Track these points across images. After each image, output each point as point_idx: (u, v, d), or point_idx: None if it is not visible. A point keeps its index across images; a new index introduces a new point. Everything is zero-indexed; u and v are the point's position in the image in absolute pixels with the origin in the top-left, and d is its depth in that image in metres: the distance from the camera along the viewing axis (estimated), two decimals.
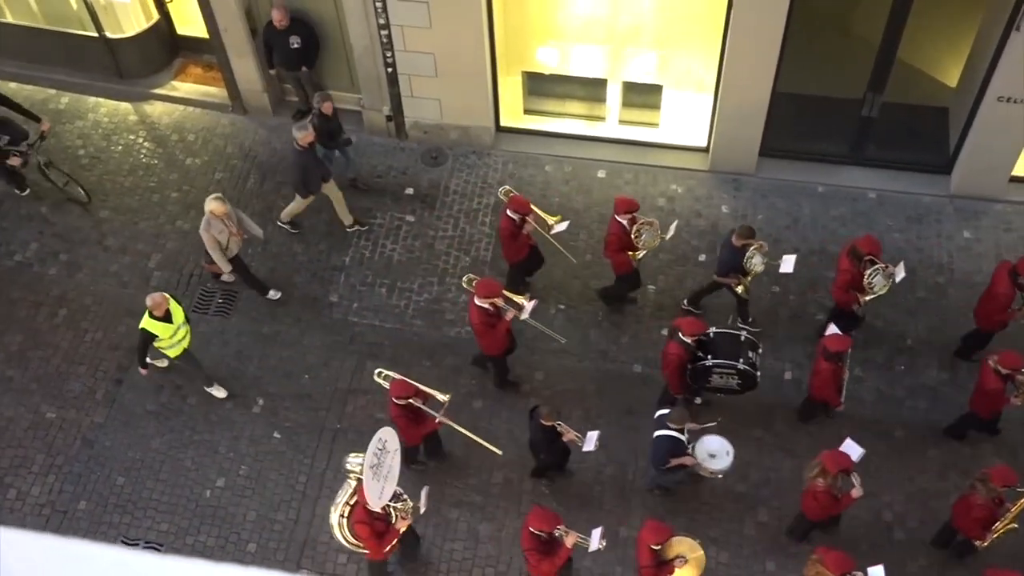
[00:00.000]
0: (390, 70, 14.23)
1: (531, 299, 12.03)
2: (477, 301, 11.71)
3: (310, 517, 12.13)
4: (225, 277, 13.74)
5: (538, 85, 14.99)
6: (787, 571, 11.64)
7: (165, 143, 15.53)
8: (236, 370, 13.12)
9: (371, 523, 10.27)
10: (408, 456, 11.92)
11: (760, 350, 12.11)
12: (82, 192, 14.63)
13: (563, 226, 12.85)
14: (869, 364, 12.96)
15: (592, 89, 14.81)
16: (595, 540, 10.49)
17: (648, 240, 12.50)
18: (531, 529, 10.25)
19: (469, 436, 11.51)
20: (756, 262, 12.22)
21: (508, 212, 12.47)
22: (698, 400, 12.53)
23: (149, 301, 11.74)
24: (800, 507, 11.29)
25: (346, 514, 10.62)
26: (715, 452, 11.46)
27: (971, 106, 13.45)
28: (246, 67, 15.07)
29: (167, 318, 11.88)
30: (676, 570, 10.28)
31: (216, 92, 15.90)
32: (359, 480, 10.39)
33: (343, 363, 13.25)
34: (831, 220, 14.16)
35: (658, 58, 14.52)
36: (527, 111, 15.18)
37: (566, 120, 15.15)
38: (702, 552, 10.52)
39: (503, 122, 15.04)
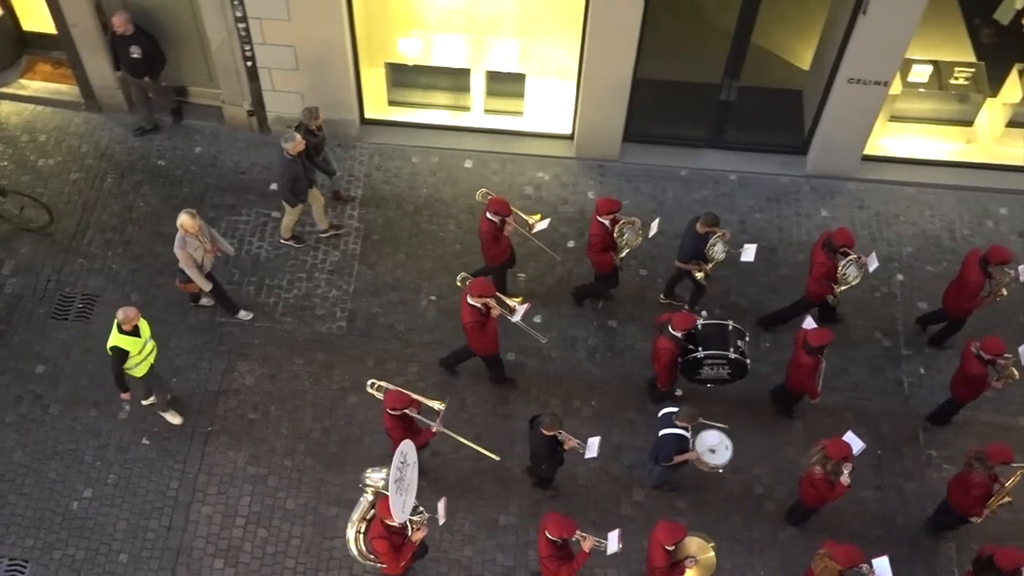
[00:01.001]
0: (249, 64, 13.96)
1: (523, 302, 11.91)
2: (470, 300, 11.59)
3: (183, 523, 11.85)
4: (204, 301, 13.31)
5: (402, 76, 14.90)
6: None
7: (15, 144, 14.94)
8: (100, 376, 12.71)
9: (389, 537, 10.15)
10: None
11: (747, 338, 12.26)
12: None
13: (544, 224, 12.77)
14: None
15: (456, 79, 14.79)
16: (613, 543, 10.36)
17: (630, 239, 12.50)
18: (549, 536, 10.13)
19: (467, 444, 11.40)
20: (718, 250, 12.35)
21: (488, 214, 12.29)
22: (678, 392, 12.58)
23: (120, 314, 11.18)
24: (798, 495, 11.48)
25: (363, 530, 10.52)
26: (714, 447, 11.47)
27: (823, 88, 13.87)
28: (98, 64, 14.60)
29: (135, 332, 11.37)
30: (687, 571, 10.30)
31: (68, 90, 15.35)
32: (376, 495, 10.35)
33: (212, 364, 12.97)
34: (694, 203, 14.43)
35: (520, 47, 14.60)
36: (392, 102, 15.08)
37: (431, 111, 15.10)
38: (712, 553, 10.60)
39: (368, 114, 14.91)
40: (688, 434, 11.23)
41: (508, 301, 11.80)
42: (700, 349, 11.94)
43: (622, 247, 12.53)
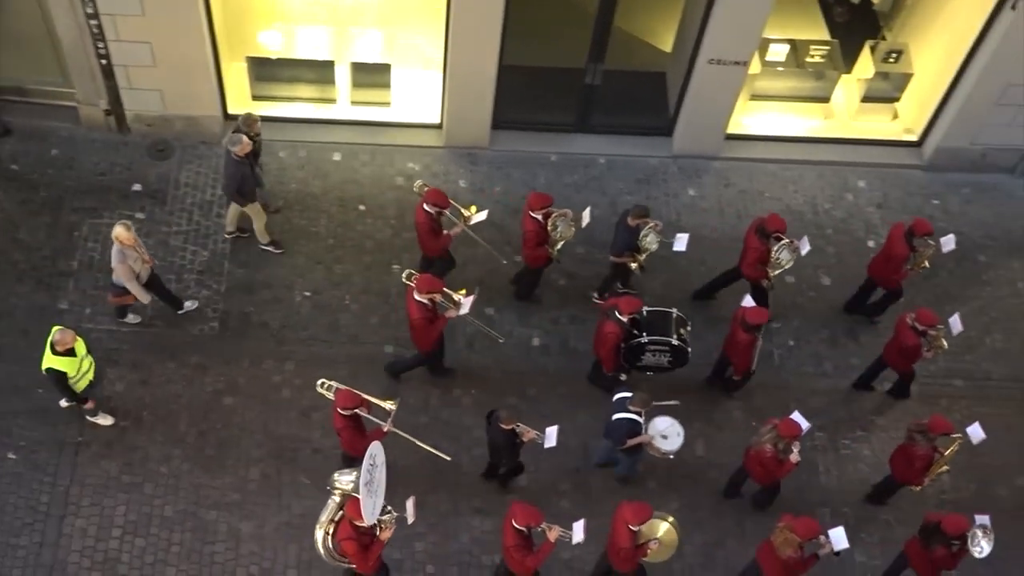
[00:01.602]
0: (104, 62, 13.52)
1: (468, 294, 11.84)
2: (417, 296, 11.48)
3: (56, 537, 11.46)
4: (131, 317, 12.87)
5: (264, 70, 14.62)
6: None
7: None
8: None
9: (358, 538, 10.09)
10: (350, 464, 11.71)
11: (690, 326, 12.38)
12: None
13: (482, 215, 12.66)
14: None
15: (320, 71, 14.58)
16: (578, 532, 10.47)
17: (564, 231, 12.49)
18: (516, 525, 10.22)
19: (417, 444, 11.25)
20: (650, 240, 12.43)
21: (425, 206, 12.17)
22: (623, 376, 12.57)
23: (57, 335, 10.82)
24: (751, 475, 11.72)
25: (330, 531, 10.38)
26: (666, 433, 11.62)
27: (685, 70, 14.08)
28: None
29: (70, 352, 10.98)
30: (649, 551, 10.48)
31: None
32: (342, 496, 10.24)
33: None
34: (565, 187, 14.52)
35: (384, 37, 14.47)
36: (255, 97, 14.79)
37: (296, 104, 14.87)
38: (674, 531, 10.78)
39: (231, 109, 14.58)
40: (641, 419, 11.37)
41: (453, 295, 11.74)
42: (644, 335, 12.07)
43: (556, 240, 12.55)
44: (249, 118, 12.83)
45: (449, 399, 12.76)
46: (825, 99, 15.16)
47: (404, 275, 11.96)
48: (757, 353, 12.27)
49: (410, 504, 10.52)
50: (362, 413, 10.85)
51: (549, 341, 13.29)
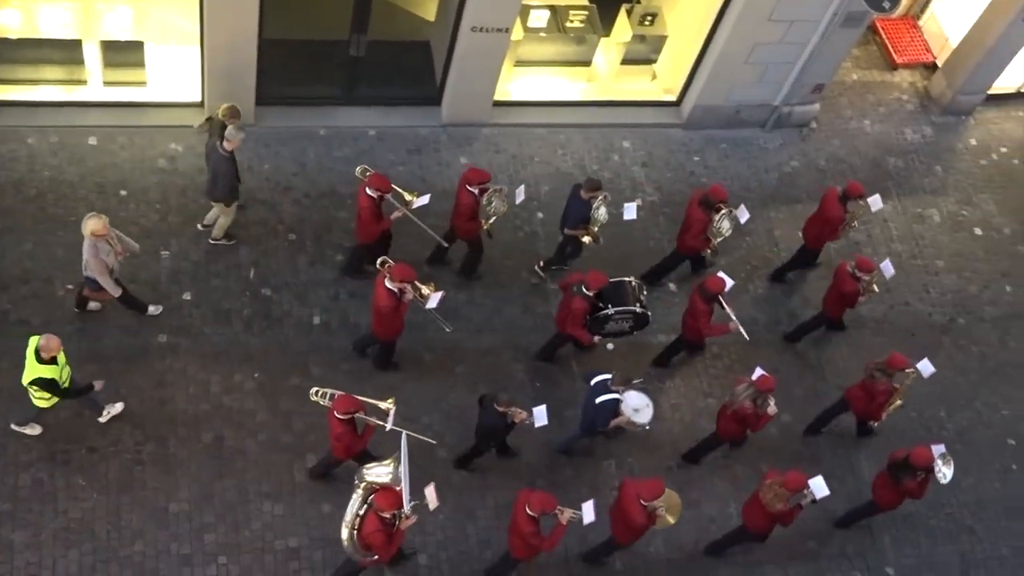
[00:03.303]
0: None
1: (436, 289, 11.82)
2: (388, 284, 11.46)
3: None
4: (93, 305, 12.37)
5: (6, 51, 13.72)
6: (343, 509, 11.83)
7: None
8: None
9: (385, 529, 10.19)
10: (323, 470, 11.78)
11: (646, 292, 12.80)
12: None
13: (424, 200, 12.55)
14: None
15: (67, 51, 13.78)
16: (588, 512, 10.71)
17: (498, 206, 12.61)
18: (530, 512, 10.36)
19: (415, 436, 11.04)
20: (602, 213, 12.73)
21: (368, 191, 12.07)
22: (610, 346, 13.19)
23: (43, 341, 10.33)
24: (717, 430, 12.37)
25: (357, 526, 10.40)
26: (638, 407, 11.95)
27: (449, 38, 14.08)
28: None
29: (54, 360, 10.46)
30: (659, 519, 10.84)
31: None
32: (366, 490, 10.39)
33: None
34: (336, 161, 14.32)
35: (134, 13, 13.79)
36: None
37: (44, 87, 14.01)
38: (678, 500, 11.05)
39: None
40: (621, 398, 11.67)
41: (423, 288, 11.73)
42: (609, 306, 12.37)
43: (491, 215, 12.68)
44: (233, 109, 12.26)
45: (231, 384, 12.43)
46: (587, 63, 15.50)
47: (379, 262, 11.81)
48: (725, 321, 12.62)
49: (430, 490, 10.53)
50: (361, 416, 10.84)
51: (329, 318, 13.12)
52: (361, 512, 10.44)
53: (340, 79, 14.64)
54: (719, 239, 13.20)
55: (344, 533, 10.54)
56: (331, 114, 14.70)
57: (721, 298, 12.37)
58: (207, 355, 12.59)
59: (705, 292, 12.30)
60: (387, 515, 10.08)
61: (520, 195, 13.14)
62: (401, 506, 10.10)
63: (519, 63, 15.21)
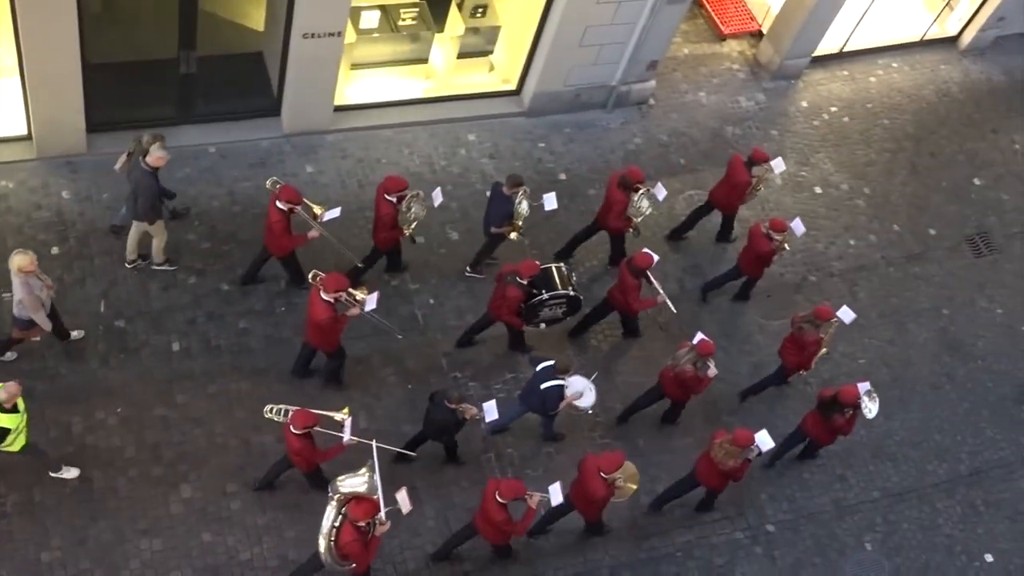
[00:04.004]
0: None
1: (368, 292, 11.90)
2: (324, 296, 11.38)
3: None
4: (8, 355, 11.99)
5: None
6: (223, 535, 11.62)
7: None
8: None
9: (361, 538, 10.27)
10: (316, 482, 11.57)
11: (575, 277, 13.35)
12: None
13: (333, 213, 12.55)
14: (252, 315, 13.13)
15: None
16: (556, 494, 11.11)
17: (418, 211, 12.78)
18: (501, 500, 10.62)
19: (380, 446, 10.93)
20: (524, 207, 13.03)
21: (278, 203, 12.03)
22: (542, 326, 13.38)
23: (3, 394, 10.13)
24: (668, 395, 12.81)
25: (333, 537, 10.41)
26: (581, 391, 12.34)
27: (282, 47, 13.86)
28: None
29: (15, 408, 10.32)
30: (617, 490, 11.23)
31: None
32: (340, 501, 10.41)
33: None
34: (179, 183, 13.90)
35: None
36: None
37: None
38: (635, 469, 11.45)
39: None
40: (565, 383, 12.03)
41: (356, 294, 11.72)
42: (543, 291, 12.79)
43: (411, 220, 12.80)
44: (157, 136, 12.28)
45: (93, 423, 12.02)
46: (424, 60, 15.46)
47: (311, 276, 11.73)
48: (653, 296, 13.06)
49: (401, 495, 10.60)
50: (318, 430, 10.80)
51: (189, 343, 12.79)
52: (337, 523, 10.49)
53: (173, 98, 14.26)
54: (640, 218, 13.62)
55: (322, 544, 10.54)
56: (168, 135, 14.02)
57: (648, 273, 12.82)
58: (65, 396, 12.15)
59: (633, 267, 12.73)
60: (362, 524, 10.18)
61: (438, 197, 13.23)
62: (375, 514, 10.27)
63: (355, 66, 15.08)
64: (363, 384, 12.87)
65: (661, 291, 12.91)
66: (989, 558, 13.64)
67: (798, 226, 13.93)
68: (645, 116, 16.39)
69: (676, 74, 17.01)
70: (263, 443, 12.27)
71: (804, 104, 17.29)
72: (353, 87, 15.19)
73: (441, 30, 15.44)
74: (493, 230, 13.43)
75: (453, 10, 15.33)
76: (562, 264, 13.43)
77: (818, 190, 15.47)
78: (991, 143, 17.70)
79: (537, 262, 12.55)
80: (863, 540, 13.41)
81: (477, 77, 15.84)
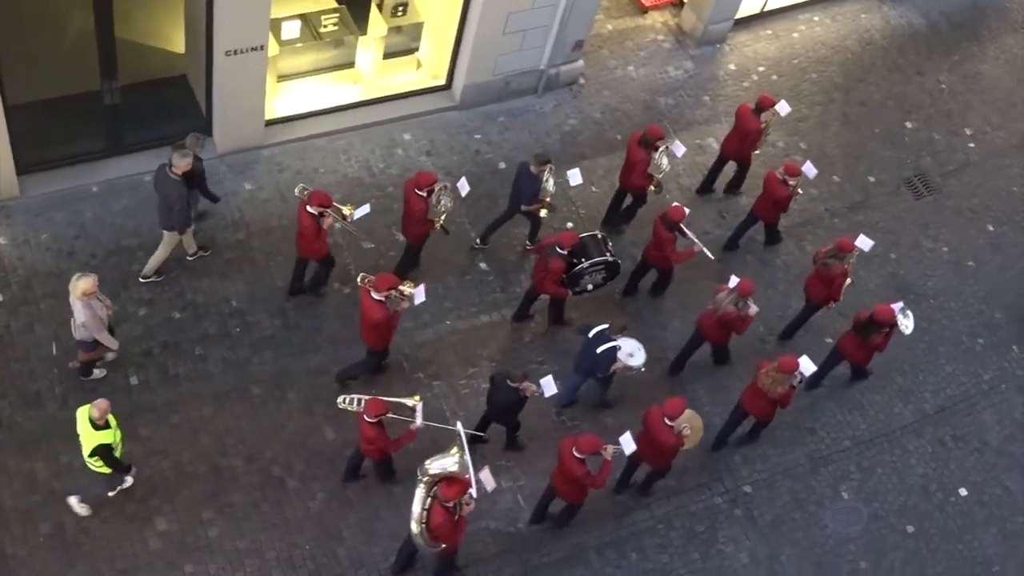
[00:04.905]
0: None
1: (416, 284, 12.17)
2: (375, 295, 11.69)
3: None
4: (97, 372, 12.34)
5: None
6: (205, 564, 11.53)
7: None
8: None
9: (451, 519, 10.59)
10: (386, 473, 12.09)
11: (610, 243, 13.72)
12: None
13: (363, 211, 12.77)
14: (207, 339, 13.00)
15: None
16: (628, 444, 11.47)
17: (447, 203, 13.12)
18: (579, 455, 11.09)
19: (446, 427, 11.63)
20: (550, 185, 13.50)
21: (309, 208, 12.28)
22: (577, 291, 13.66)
23: (95, 412, 10.40)
24: (711, 339, 13.39)
25: (424, 520, 10.74)
26: (632, 351, 12.74)
27: (205, 67, 13.70)
28: None
29: (107, 424, 10.54)
30: (686, 440, 11.68)
31: None
32: (429, 484, 10.72)
33: None
34: (117, 216, 13.77)
35: None
36: None
37: None
38: (699, 417, 12.06)
39: None
40: (619, 345, 12.43)
41: (404, 289, 11.90)
42: (583, 260, 13.22)
43: (441, 212, 13.11)
44: (199, 138, 12.75)
45: (59, 467, 11.85)
46: (350, 64, 15.36)
47: (359, 278, 12.04)
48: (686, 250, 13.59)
49: (485, 474, 10.93)
50: (392, 416, 11.15)
51: (147, 375, 12.65)
52: (427, 506, 10.78)
53: (101, 131, 14.05)
54: (660, 174, 14.02)
55: (414, 528, 10.88)
56: (100, 168, 14.10)
57: (682, 225, 13.22)
58: (26, 442, 11.98)
59: (667, 221, 13.23)
60: (451, 504, 10.48)
61: (464, 187, 13.51)
62: (466, 493, 10.55)
63: (282, 78, 14.95)
64: (327, 398, 12.77)
65: (697, 240, 13.43)
66: (963, 491, 13.86)
67: (810, 169, 14.33)
68: (577, 96, 16.41)
69: (603, 51, 17.04)
70: (232, 467, 12.19)
71: (732, 67, 17.40)
72: (282, 99, 15.06)
73: (364, 33, 15.34)
74: (523, 208, 13.80)
75: (374, 11, 15.24)
76: (596, 232, 13.85)
77: (756, 152, 15.52)
78: (918, 85, 17.93)
79: (575, 232, 13.18)
80: (839, 490, 13.57)
81: (406, 76, 15.77)
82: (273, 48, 14.25)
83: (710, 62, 17.36)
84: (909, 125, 17.38)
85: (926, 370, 14.79)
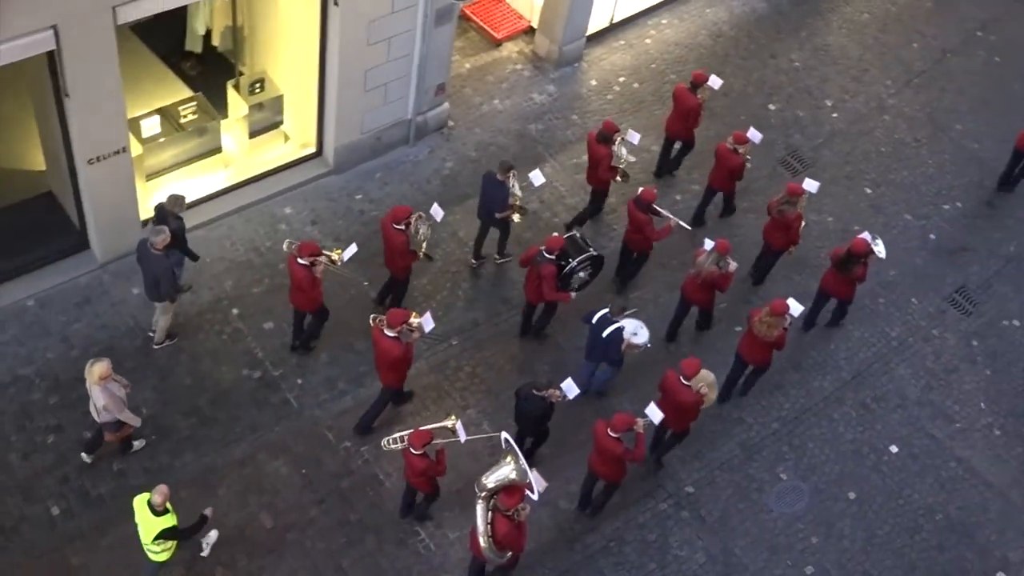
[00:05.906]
0: None
1: (421, 314, 12.34)
2: (389, 332, 11.87)
3: None
4: (137, 444, 12.57)
5: None
6: None
7: None
8: None
9: (515, 525, 10.87)
10: (431, 504, 12.31)
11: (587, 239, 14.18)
12: None
13: (351, 251, 12.88)
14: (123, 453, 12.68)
15: None
16: (655, 412, 11.84)
17: (425, 232, 13.40)
18: (614, 434, 11.50)
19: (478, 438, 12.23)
20: (517, 188, 14.08)
21: (300, 260, 12.38)
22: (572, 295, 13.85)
23: (157, 498, 10.51)
24: (696, 302, 14.02)
25: (490, 533, 10.98)
26: (635, 331, 13.24)
27: (70, 179, 13.43)
28: None
29: (166, 510, 10.64)
30: (705, 398, 12.20)
31: None
32: (487, 497, 10.95)
33: None
34: (7, 346, 13.36)
35: None
36: None
37: None
38: (713, 378, 12.60)
39: None
40: (623, 325, 12.83)
41: (412, 321, 12.03)
42: (571, 259, 13.57)
43: (421, 240, 13.40)
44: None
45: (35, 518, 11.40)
46: (217, 150, 15.21)
47: (371, 319, 12.22)
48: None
49: (534, 475, 11.00)
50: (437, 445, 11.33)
51: (68, 503, 12.22)
52: (490, 520, 11.00)
53: None
54: (623, 164, 14.68)
55: (483, 543, 11.11)
56: None
57: (655, 205, 13.93)
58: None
59: (642, 204, 13.89)
60: (511, 512, 10.74)
61: (439, 212, 13.75)
62: (522, 500, 10.82)
63: (151, 176, 14.73)
64: (256, 483, 12.54)
65: (672, 216, 14.10)
66: (894, 448, 14.16)
67: (755, 135, 14.96)
68: (449, 139, 16.50)
69: (466, 90, 17.18)
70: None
71: (593, 83, 17.68)
72: (155, 197, 14.79)
73: (225, 116, 15.27)
74: (498, 215, 14.21)
75: (231, 93, 15.17)
76: (573, 231, 14.34)
77: (632, 159, 15.77)
78: (773, 68, 18.43)
79: (559, 234, 13.55)
80: (777, 472, 13.76)
81: (275, 151, 15.68)
82: (136, 148, 14.07)
83: (571, 82, 17.62)
84: (772, 107, 17.84)
85: (837, 339, 15.11)
